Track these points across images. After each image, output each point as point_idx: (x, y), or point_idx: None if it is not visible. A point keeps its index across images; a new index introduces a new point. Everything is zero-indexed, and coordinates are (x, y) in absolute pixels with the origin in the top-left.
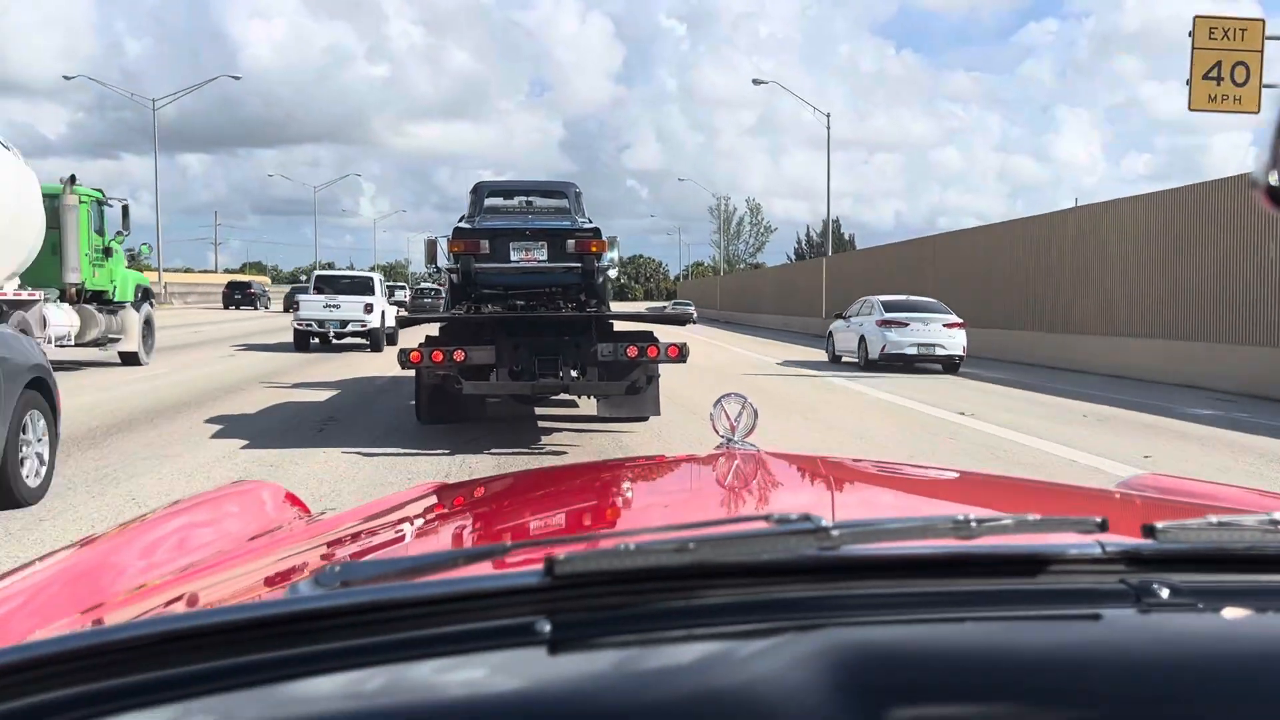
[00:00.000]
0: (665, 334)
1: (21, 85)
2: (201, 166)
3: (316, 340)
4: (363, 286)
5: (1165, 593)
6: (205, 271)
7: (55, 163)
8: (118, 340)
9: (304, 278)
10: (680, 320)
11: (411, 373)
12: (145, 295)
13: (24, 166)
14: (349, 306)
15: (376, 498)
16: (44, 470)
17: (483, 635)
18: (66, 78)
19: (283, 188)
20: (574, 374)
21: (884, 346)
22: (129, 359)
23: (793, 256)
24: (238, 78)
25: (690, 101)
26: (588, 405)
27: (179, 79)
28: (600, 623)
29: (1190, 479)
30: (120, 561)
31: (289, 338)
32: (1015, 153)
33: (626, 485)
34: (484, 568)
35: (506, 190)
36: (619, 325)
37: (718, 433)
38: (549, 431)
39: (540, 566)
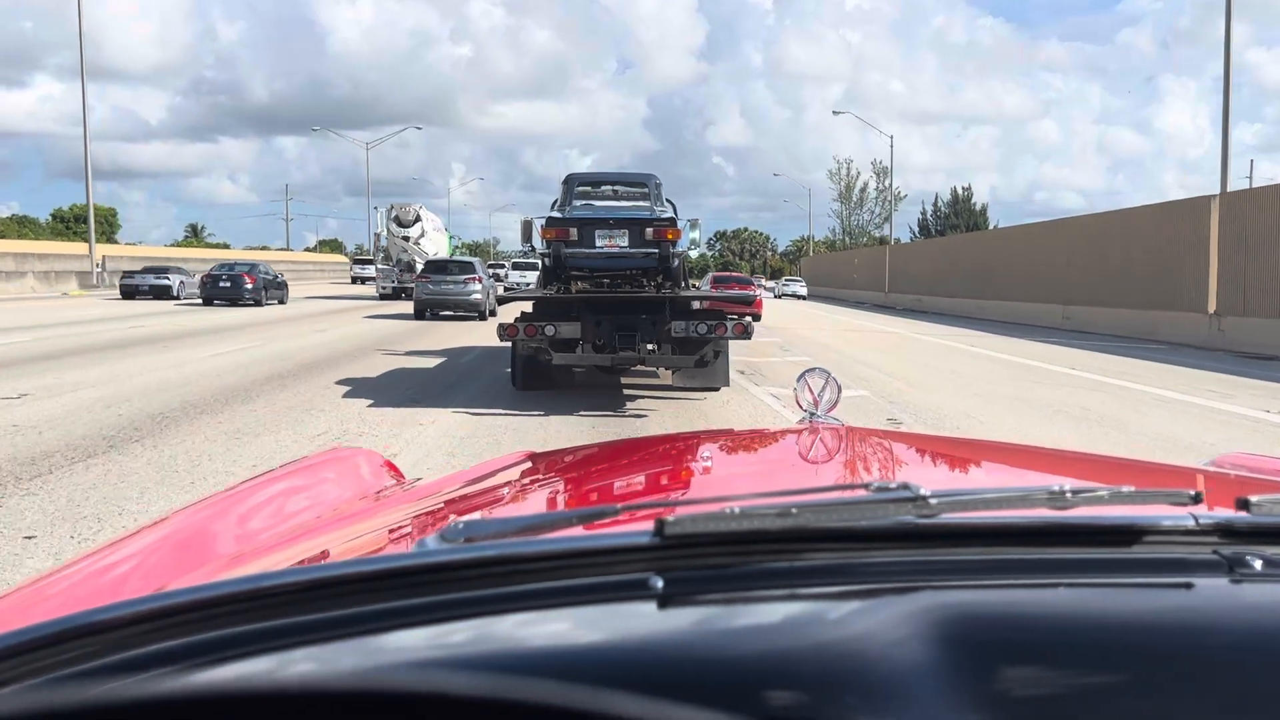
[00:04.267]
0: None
1: (120, 72)
2: (297, 149)
3: None
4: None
5: (1259, 564)
6: (258, 248)
7: (157, 147)
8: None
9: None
10: (746, 301)
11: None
12: None
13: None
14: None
15: (479, 453)
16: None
17: (600, 589)
18: None
19: (375, 170)
20: (650, 348)
21: (779, 292)
22: None
23: (915, 230)
24: None
25: (776, 77)
26: (668, 375)
27: (271, 64)
28: (707, 580)
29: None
30: (223, 527)
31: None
32: (1115, 125)
33: (716, 455)
34: (596, 527)
35: (594, 181)
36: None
37: (801, 407)
38: (633, 398)
39: (650, 527)
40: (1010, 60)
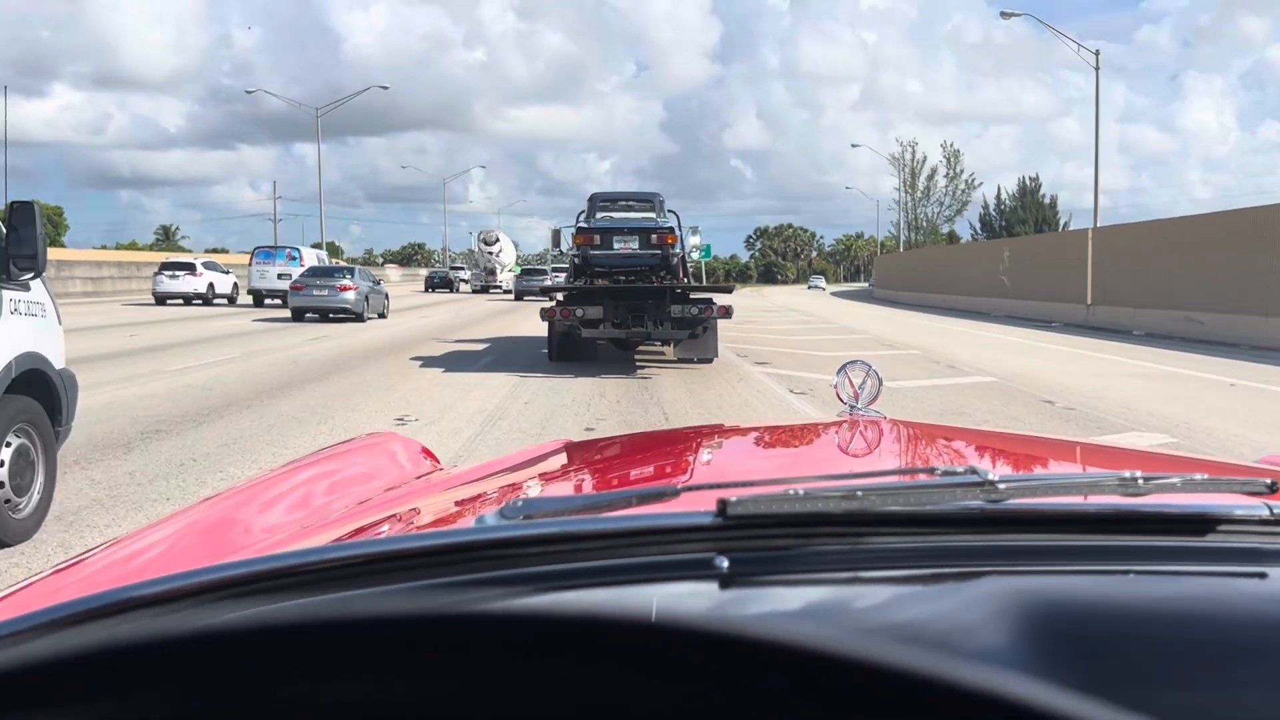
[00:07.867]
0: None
1: (139, 81)
2: (313, 156)
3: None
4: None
5: None
6: (247, 253)
7: (177, 155)
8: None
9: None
10: (726, 290)
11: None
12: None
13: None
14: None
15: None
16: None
17: (663, 567)
18: None
19: (395, 177)
20: (655, 325)
21: (810, 286)
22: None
23: (977, 227)
24: None
25: (793, 78)
26: (669, 352)
27: (286, 70)
28: (770, 561)
29: None
30: (254, 512)
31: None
32: (1138, 123)
33: (762, 444)
34: (656, 507)
35: (612, 199)
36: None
37: (841, 400)
38: (642, 366)
39: (710, 508)
40: (1030, 58)
